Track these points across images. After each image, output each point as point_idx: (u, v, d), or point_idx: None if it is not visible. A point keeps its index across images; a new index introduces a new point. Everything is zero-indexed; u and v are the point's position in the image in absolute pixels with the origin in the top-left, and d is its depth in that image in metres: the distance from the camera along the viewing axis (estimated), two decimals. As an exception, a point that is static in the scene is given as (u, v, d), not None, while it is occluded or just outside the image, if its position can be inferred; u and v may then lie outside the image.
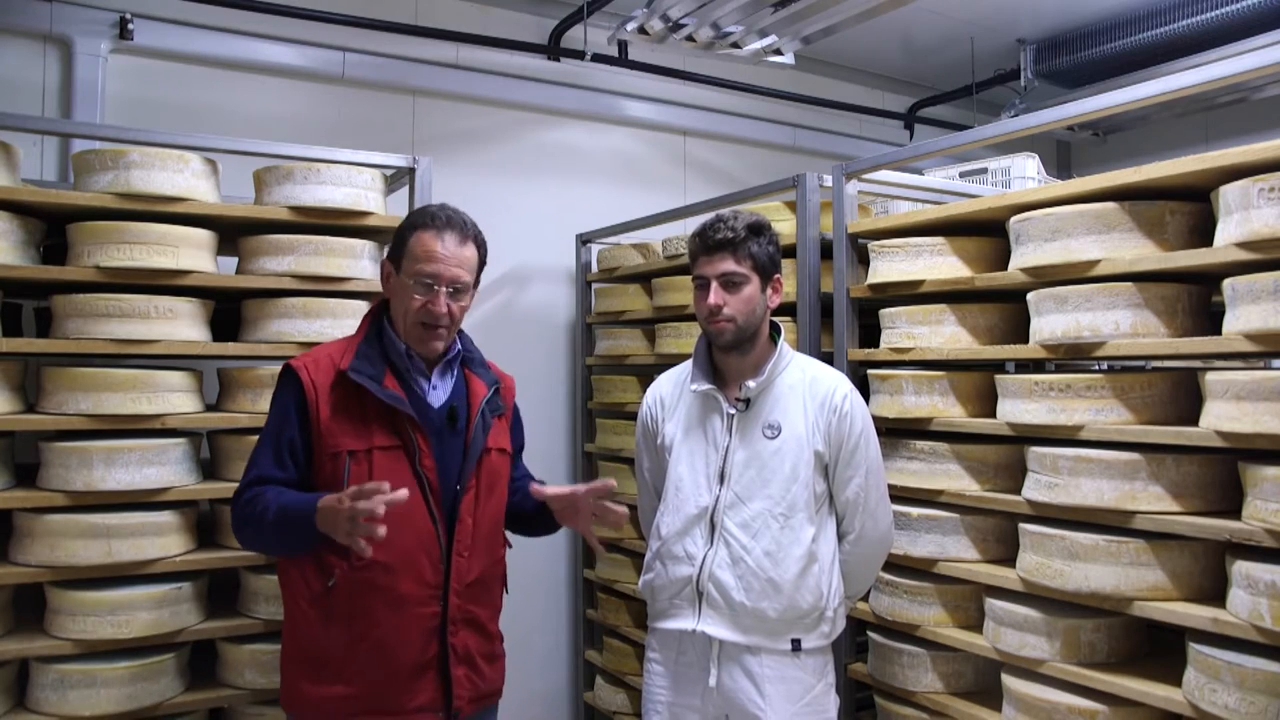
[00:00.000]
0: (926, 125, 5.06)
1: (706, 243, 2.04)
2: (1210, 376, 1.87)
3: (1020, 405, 2.19)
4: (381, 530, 1.60)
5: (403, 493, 1.62)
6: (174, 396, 2.45)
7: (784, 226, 2.79)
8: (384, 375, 1.85)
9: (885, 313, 2.60)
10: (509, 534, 2.08)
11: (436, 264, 1.84)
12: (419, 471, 1.84)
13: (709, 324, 2.05)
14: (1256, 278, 1.76)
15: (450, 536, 1.87)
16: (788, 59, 3.70)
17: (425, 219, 1.88)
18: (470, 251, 1.91)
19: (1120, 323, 2.03)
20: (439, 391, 1.94)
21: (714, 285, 2.02)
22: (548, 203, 4.01)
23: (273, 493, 1.79)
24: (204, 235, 2.52)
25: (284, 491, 1.80)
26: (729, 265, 2.01)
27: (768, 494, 2.00)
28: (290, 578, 1.88)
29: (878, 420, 2.42)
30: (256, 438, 1.90)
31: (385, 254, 1.96)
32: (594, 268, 3.93)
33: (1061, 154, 5.44)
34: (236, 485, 2.45)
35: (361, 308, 2.69)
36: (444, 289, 1.85)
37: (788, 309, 2.71)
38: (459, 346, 1.99)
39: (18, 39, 3.08)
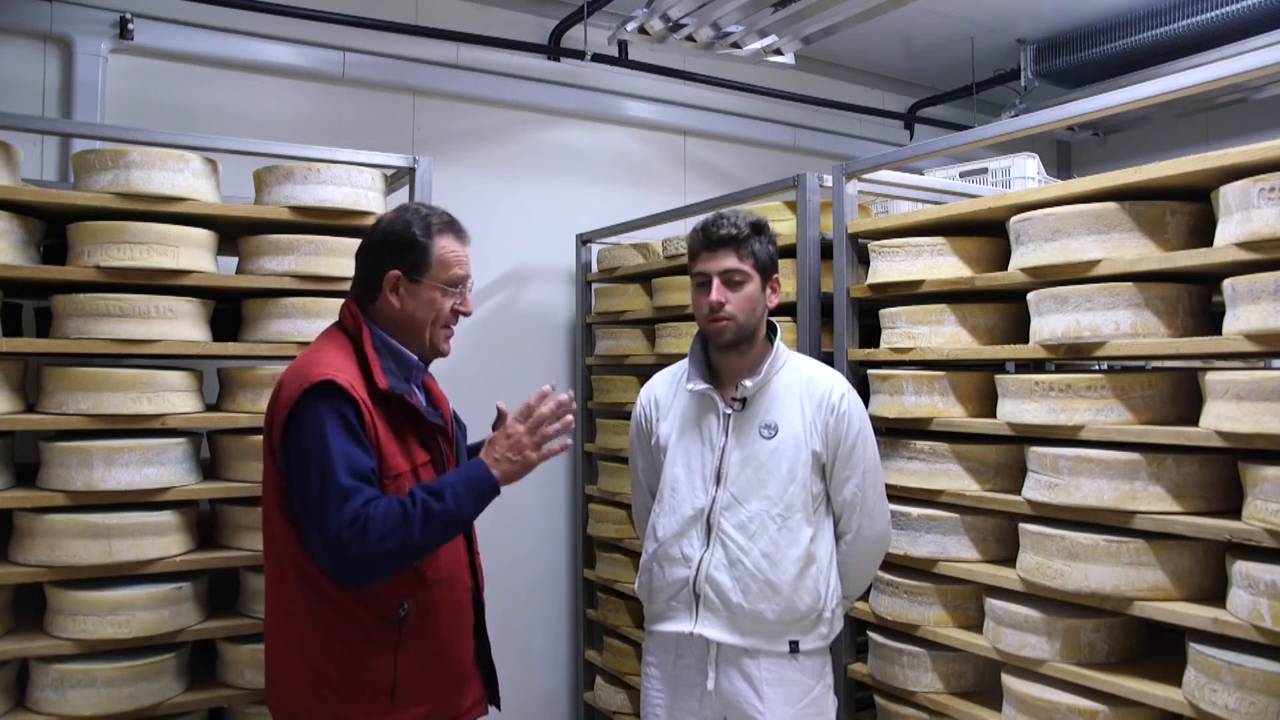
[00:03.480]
0: (926, 125, 5.06)
1: (709, 238, 2.02)
2: (1210, 376, 1.87)
3: (1020, 405, 2.19)
4: (572, 419, 1.76)
5: (566, 399, 1.76)
6: (174, 396, 2.45)
7: (784, 226, 2.79)
8: (412, 390, 1.83)
9: (885, 313, 2.60)
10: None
11: (466, 266, 1.87)
12: None
13: (709, 322, 2.04)
14: (1256, 278, 1.76)
15: (468, 537, 1.93)
16: (788, 59, 3.70)
17: (439, 224, 1.85)
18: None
19: (1120, 323, 2.03)
20: (422, 399, 1.92)
21: (715, 282, 2.00)
22: (548, 203, 4.01)
23: (398, 501, 1.62)
24: (204, 235, 2.52)
25: (418, 488, 1.66)
26: (731, 262, 2.00)
27: (765, 494, 2.00)
28: (335, 606, 1.71)
29: (878, 420, 2.42)
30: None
31: (381, 263, 1.83)
32: (594, 268, 3.93)
33: (1061, 154, 5.44)
34: (239, 486, 2.50)
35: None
36: (468, 289, 1.90)
37: (788, 309, 2.72)
38: None
39: (18, 39, 3.08)
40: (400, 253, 1.82)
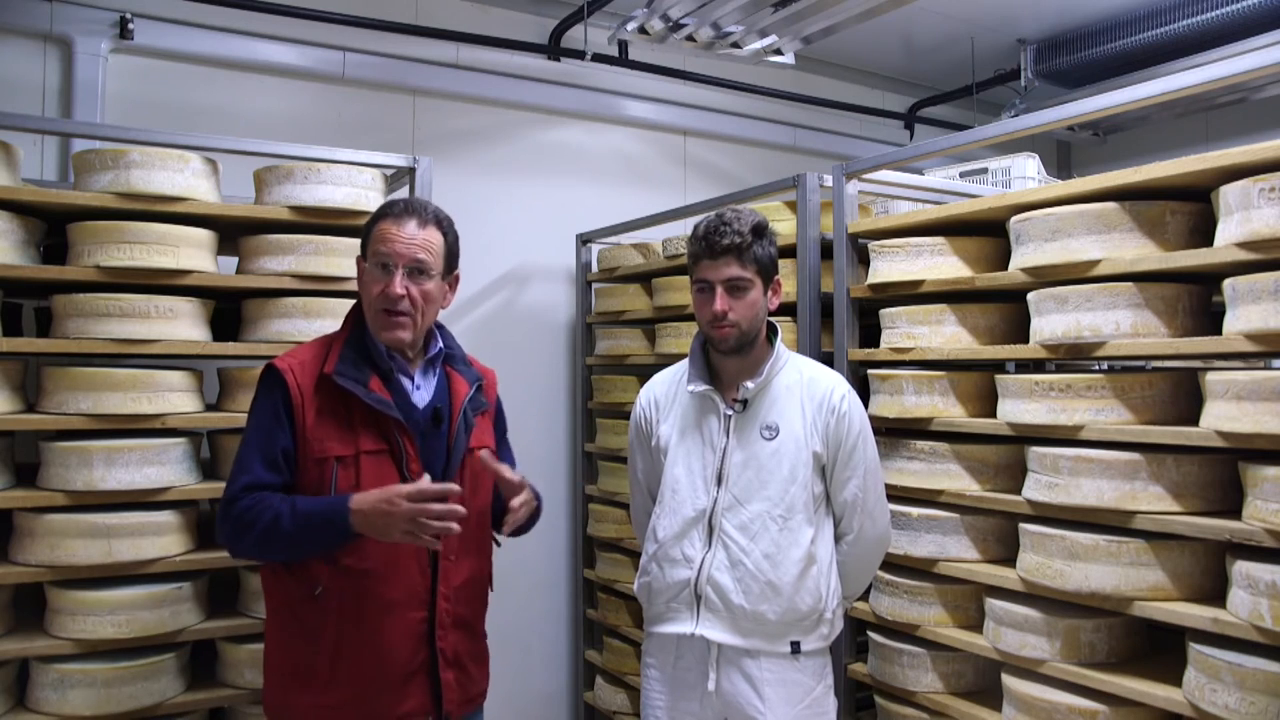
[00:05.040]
0: (926, 125, 5.06)
1: (712, 248, 1.99)
2: (1210, 376, 1.87)
3: (1020, 405, 2.19)
4: (456, 527, 1.66)
5: (458, 509, 1.67)
6: (174, 396, 2.45)
7: (784, 226, 2.79)
8: (369, 377, 1.82)
9: (885, 313, 2.60)
10: (497, 535, 2.04)
11: (392, 243, 1.81)
12: (406, 476, 1.81)
13: (713, 329, 2.02)
14: (1257, 278, 1.76)
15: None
16: (788, 59, 3.69)
17: (387, 208, 1.88)
18: (433, 234, 1.85)
19: (1120, 323, 2.03)
20: (423, 391, 1.91)
21: (719, 291, 1.99)
22: (548, 203, 4.01)
23: (277, 499, 1.74)
24: (204, 235, 2.52)
25: (293, 497, 1.76)
26: (735, 270, 1.98)
27: (766, 495, 1.99)
28: (275, 585, 1.85)
29: (878, 420, 2.42)
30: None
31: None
32: (594, 268, 3.93)
33: (1061, 154, 5.44)
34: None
35: (362, 308, 2.69)
36: (400, 269, 1.80)
37: (788, 309, 2.71)
38: (440, 344, 1.96)
39: (18, 39, 3.08)
40: (362, 238, 1.91)
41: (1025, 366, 2.82)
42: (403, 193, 2.89)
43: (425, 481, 1.68)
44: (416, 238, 1.83)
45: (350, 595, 1.78)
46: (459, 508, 1.67)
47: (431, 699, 1.84)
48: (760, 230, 2.01)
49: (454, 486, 1.69)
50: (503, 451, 2.10)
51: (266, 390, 1.82)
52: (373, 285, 1.83)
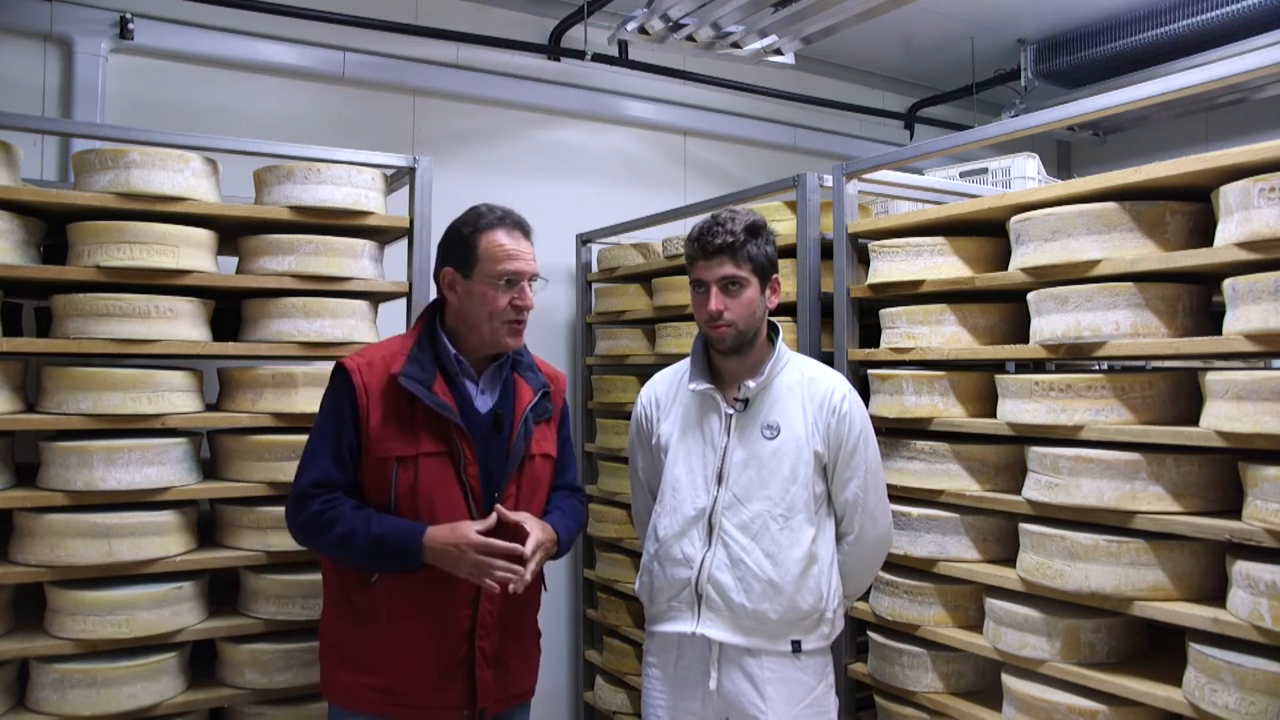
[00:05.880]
0: (926, 125, 5.06)
1: (705, 247, 2.01)
2: (1210, 376, 1.87)
3: (1020, 405, 2.19)
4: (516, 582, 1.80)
5: (520, 572, 1.80)
6: (174, 396, 2.45)
7: (784, 226, 2.79)
8: (434, 380, 1.89)
9: (885, 313, 2.60)
10: None
11: (519, 261, 1.92)
12: (463, 479, 1.88)
13: (709, 329, 2.04)
14: (1257, 278, 1.76)
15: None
16: (788, 59, 3.70)
17: (490, 220, 1.92)
18: (532, 245, 1.99)
19: (1120, 323, 2.02)
20: (486, 397, 1.97)
21: (714, 290, 2.00)
22: (548, 203, 4.01)
23: (349, 507, 1.84)
24: (204, 235, 2.52)
25: (367, 513, 1.84)
26: (728, 269, 1.99)
27: (767, 495, 2.00)
28: (334, 573, 1.96)
29: (878, 420, 2.42)
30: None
31: (439, 261, 1.98)
32: (594, 268, 3.93)
33: (1061, 154, 5.44)
34: (239, 486, 2.49)
35: (363, 308, 2.69)
36: (528, 284, 1.93)
37: (788, 309, 2.71)
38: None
39: (18, 39, 3.08)
40: (451, 250, 1.94)
41: (1025, 366, 2.82)
42: (403, 193, 2.88)
43: (493, 527, 1.83)
44: (529, 252, 1.95)
45: (401, 590, 1.86)
46: (521, 570, 1.80)
47: (469, 695, 1.91)
48: (755, 230, 2.02)
49: (520, 549, 1.81)
50: (564, 454, 2.16)
51: (335, 388, 1.92)
52: (496, 299, 1.90)
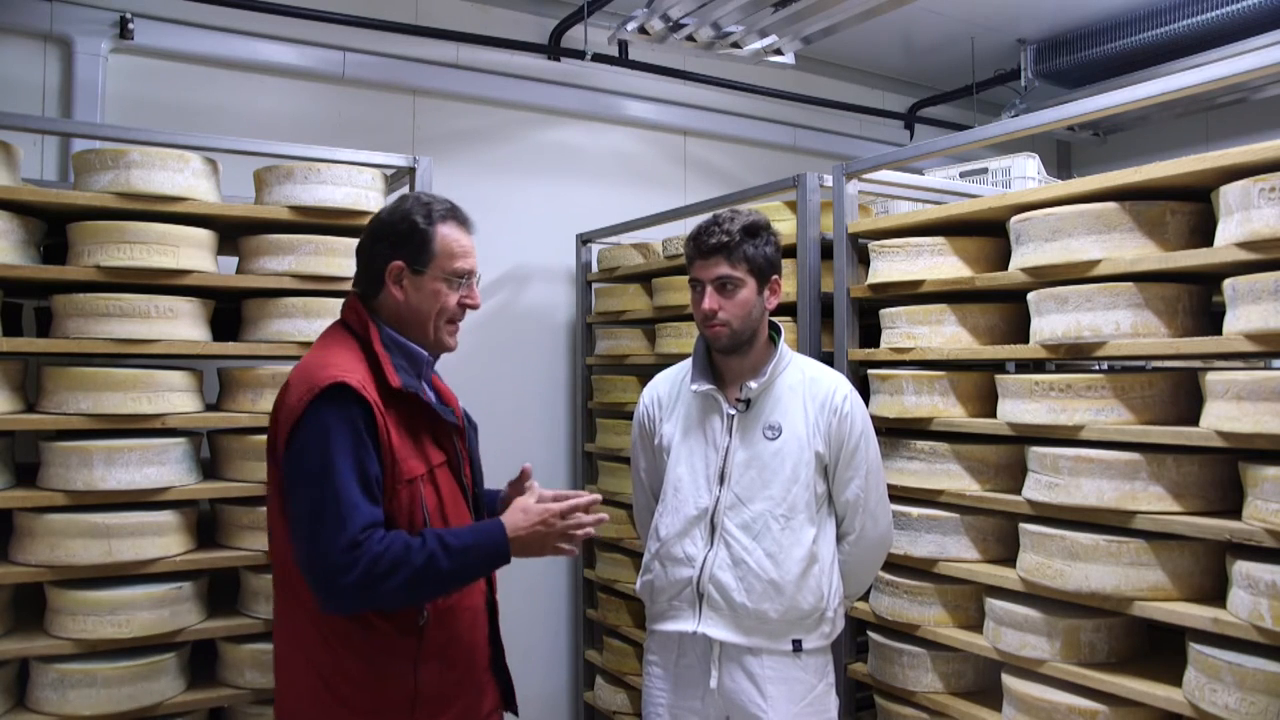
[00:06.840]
0: (927, 125, 5.06)
1: (700, 247, 2.02)
2: (1210, 376, 1.87)
3: (1020, 405, 2.19)
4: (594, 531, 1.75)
5: (604, 515, 1.77)
6: (174, 396, 2.45)
7: (784, 226, 2.79)
8: (423, 387, 1.77)
9: (885, 313, 2.60)
10: None
11: (471, 258, 1.79)
12: (463, 483, 1.81)
13: (705, 328, 2.05)
14: (1257, 278, 1.76)
15: None
16: (788, 59, 3.69)
17: (443, 212, 1.78)
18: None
19: (1120, 323, 2.03)
20: (433, 396, 1.87)
21: (708, 290, 2.01)
22: (548, 203, 4.01)
23: (403, 537, 1.57)
24: (204, 235, 2.52)
25: (435, 533, 1.62)
26: (723, 269, 2.00)
27: (768, 495, 2.00)
28: (364, 634, 1.64)
29: (878, 420, 2.42)
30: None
31: (384, 253, 1.76)
32: (594, 268, 3.94)
33: (1061, 154, 5.44)
34: (239, 486, 2.49)
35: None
36: (475, 282, 1.81)
37: (788, 309, 2.71)
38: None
39: (18, 39, 3.08)
40: (401, 242, 1.74)
41: (1025, 366, 2.82)
42: (404, 193, 2.89)
43: (596, 496, 1.79)
44: (474, 249, 1.82)
45: (446, 613, 1.73)
46: (603, 513, 1.78)
47: (500, 691, 1.89)
48: (753, 230, 2.02)
49: (596, 496, 1.79)
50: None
51: (343, 416, 1.59)
52: (446, 297, 1.76)
